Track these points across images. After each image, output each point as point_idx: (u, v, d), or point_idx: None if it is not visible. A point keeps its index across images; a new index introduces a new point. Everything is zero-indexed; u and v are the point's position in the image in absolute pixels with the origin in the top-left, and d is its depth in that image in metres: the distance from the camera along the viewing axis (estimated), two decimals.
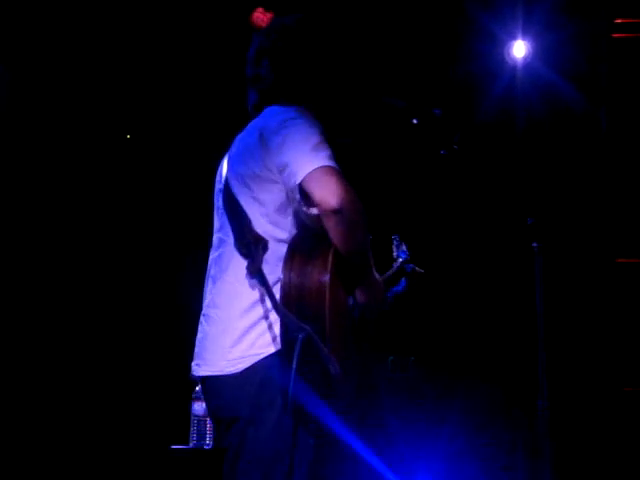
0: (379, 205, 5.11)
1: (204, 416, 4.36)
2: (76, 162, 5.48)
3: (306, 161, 2.55)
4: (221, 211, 2.81)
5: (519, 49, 5.40)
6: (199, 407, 4.38)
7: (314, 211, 2.60)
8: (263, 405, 2.58)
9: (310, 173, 2.53)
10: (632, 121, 5.47)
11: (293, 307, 2.53)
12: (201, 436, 4.37)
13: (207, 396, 2.79)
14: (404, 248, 3.38)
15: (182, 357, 5.27)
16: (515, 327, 5.13)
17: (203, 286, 2.85)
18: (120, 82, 5.47)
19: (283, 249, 2.63)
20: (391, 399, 5.19)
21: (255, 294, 2.63)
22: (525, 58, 5.40)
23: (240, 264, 2.66)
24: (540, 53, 5.42)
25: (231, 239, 2.72)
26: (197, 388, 4.39)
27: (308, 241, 2.62)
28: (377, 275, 2.79)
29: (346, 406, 2.63)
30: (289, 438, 2.57)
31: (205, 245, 2.91)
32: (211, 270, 2.82)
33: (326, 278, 2.52)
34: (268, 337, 2.60)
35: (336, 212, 2.51)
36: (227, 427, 2.68)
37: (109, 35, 5.32)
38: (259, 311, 2.63)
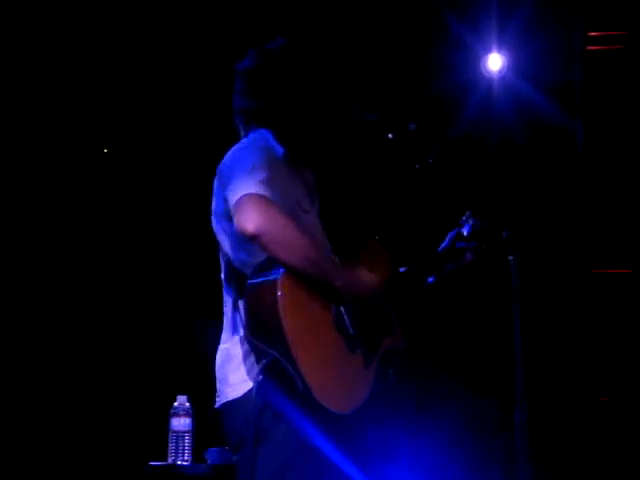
0: (356, 219, 5.14)
1: (182, 432, 4.35)
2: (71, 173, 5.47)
3: (233, 193, 2.62)
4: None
5: (494, 62, 5.43)
6: (177, 423, 4.36)
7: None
8: (266, 424, 2.64)
9: (234, 205, 2.61)
10: (607, 133, 5.51)
11: (259, 335, 2.57)
12: (179, 452, 4.36)
13: (222, 427, 2.84)
14: (470, 223, 3.38)
15: (159, 372, 5.30)
16: (492, 340, 5.15)
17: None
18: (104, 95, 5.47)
19: None
20: (369, 411, 5.19)
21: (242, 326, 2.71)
22: (501, 71, 5.43)
23: (230, 298, 2.78)
24: (515, 66, 5.45)
25: (223, 275, 2.84)
26: (175, 404, 4.37)
27: (262, 267, 2.65)
28: (351, 267, 2.81)
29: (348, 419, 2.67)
30: (295, 453, 2.64)
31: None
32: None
33: (276, 296, 2.54)
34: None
35: (255, 237, 2.56)
36: (235, 449, 2.76)
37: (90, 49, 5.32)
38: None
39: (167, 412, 4.40)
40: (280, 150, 2.84)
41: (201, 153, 5.18)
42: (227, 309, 2.80)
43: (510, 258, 3.91)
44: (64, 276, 5.38)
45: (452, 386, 5.22)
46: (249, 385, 2.67)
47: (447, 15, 5.32)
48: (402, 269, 3.32)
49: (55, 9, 5.19)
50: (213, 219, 2.85)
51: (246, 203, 2.57)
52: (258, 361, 2.57)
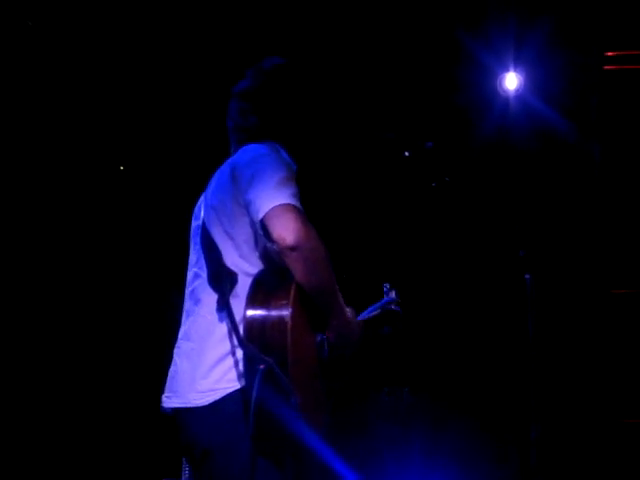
0: (370, 238, 5.14)
1: None
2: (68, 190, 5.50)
3: (268, 198, 2.57)
4: (198, 246, 2.82)
5: (511, 81, 5.44)
6: None
7: (276, 247, 2.60)
8: (234, 437, 2.58)
9: (271, 210, 2.55)
10: (624, 152, 5.50)
11: (256, 340, 2.54)
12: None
13: (179, 429, 2.76)
14: (393, 295, 3.38)
15: None
16: (510, 358, 5.13)
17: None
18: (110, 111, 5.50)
19: None
20: (385, 429, 5.18)
21: (224, 328, 2.64)
22: (517, 90, 5.43)
23: (213, 298, 2.68)
24: (532, 85, 5.46)
25: (205, 273, 2.75)
26: None
27: (273, 276, 2.63)
28: (350, 314, 2.77)
29: (321, 436, 2.63)
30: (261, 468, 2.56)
31: None
32: (186, 304, 2.84)
33: (287, 311, 2.53)
34: (237, 371, 2.60)
35: (292, 249, 2.53)
36: (199, 461, 2.68)
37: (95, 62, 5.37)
38: (228, 345, 2.63)
39: None
40: (294, 166, 2.84)
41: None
42: (204, 308, 2.71)
43: (527, 277, 3.91)
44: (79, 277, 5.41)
45: (467, 406, 5.20)
46: (217, 395, 2.60)
47: (464, 34, 5.33)
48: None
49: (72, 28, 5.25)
50: (208, 216, 2.78)
51: (286, 213, 2.54)
52: (252, 366, 2.52)
